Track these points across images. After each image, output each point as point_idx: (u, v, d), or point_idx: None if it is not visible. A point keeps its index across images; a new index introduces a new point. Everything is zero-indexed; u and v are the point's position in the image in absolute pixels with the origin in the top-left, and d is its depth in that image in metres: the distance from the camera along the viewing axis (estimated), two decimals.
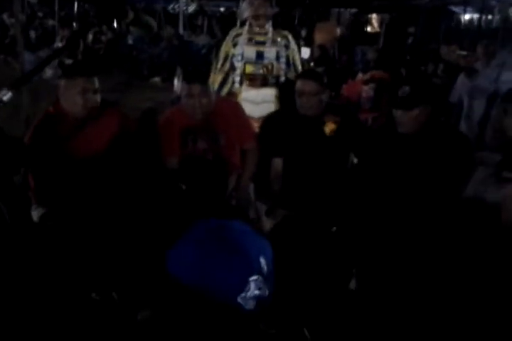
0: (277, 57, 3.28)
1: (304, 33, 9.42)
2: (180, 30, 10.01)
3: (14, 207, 1.93)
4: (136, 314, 1.15)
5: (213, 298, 0.98)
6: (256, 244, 1.05)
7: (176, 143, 2.49)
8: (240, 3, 3.68)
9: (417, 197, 2.22)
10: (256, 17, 3.22)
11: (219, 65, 3.33)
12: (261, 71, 3.28)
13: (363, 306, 2.15)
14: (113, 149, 2.26)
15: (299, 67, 3.37)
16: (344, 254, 2.38)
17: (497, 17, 9.75)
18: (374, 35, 9.78)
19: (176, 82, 6.63)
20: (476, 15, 10.34)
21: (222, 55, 3.34)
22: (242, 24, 3.40)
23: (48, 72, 7.28)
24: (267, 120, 2.75)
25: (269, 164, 2.63)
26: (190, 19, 11.43)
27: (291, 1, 9.62)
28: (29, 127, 2.91)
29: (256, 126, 2.90)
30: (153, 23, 9.38)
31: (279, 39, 3.30)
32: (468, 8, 10.09)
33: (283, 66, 3.29)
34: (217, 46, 3.51)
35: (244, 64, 3.27)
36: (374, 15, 11.93)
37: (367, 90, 5.04)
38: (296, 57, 3.38)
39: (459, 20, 11.02)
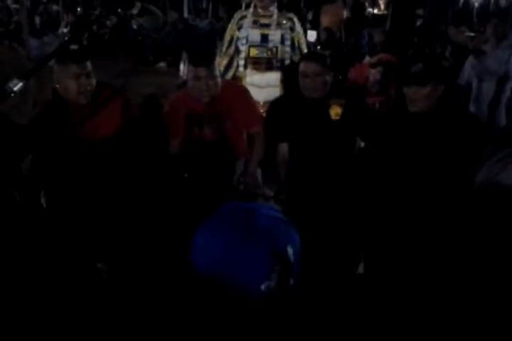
0: (282, 40, 3.25)
1: (310, 15, 9.28)
2: (185, 14, 9.92)
3: (24, 193, 1.94)
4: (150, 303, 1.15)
5: (234, 286, 0.95)
6: (284, 232, 1.00)
7: (181, 128, 2.48)
8: None
9: (427, 180, 2.20)
10: None
11: (224, 49, 3.30)
12: (265, 54, 3.25)
13: (371, 290, 2.16)
14: (119, 136, 2.26)
15: (305, 50, 3.33)
16: (352, 239, 2.39)
17: None
18: (381, 17, 9.62)
19: (181, 66, 6.59)
20: None
21: (227, 38, 3.31)
22: (247, 6, 3.36)
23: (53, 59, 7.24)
24: (273, 105, 2.73)
25: (276, 149, 2.62)
26: (195, 2, 11.31)
27: None
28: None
29: (261, 110, 2.89)
30: (160, 15, 9.29)
31: (284, 21, 3.26)
32: None
33: (288, 49, 3.26)
34: (223, 29, 3.48)
35: (249, 47, 3.24)
36: None
37: (374, 73, 4.99)
38: (302, 40, 3.34)
39: (468, 1, 10.82)
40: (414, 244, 2.17)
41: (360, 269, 2.39)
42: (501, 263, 1.70)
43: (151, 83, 6.58)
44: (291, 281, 0.99)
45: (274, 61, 3.25)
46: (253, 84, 3.23)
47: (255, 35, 3.24)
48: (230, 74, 3.28)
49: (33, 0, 11.20)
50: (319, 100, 2.50)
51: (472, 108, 3.31)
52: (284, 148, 2.60)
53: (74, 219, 2.13)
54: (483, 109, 3.17)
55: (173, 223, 2.17)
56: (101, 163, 2.20)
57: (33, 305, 1.59)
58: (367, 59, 5.56)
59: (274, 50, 3.25)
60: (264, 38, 3.24)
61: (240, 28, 3.26)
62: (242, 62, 3.26)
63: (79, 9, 10.23)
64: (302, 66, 2.49)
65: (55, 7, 10.86)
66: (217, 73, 2.45)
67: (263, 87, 3.25)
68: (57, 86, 2.20)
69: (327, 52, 5.66)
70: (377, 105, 4.61)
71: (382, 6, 11.90)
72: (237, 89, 2.68)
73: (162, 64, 8.56)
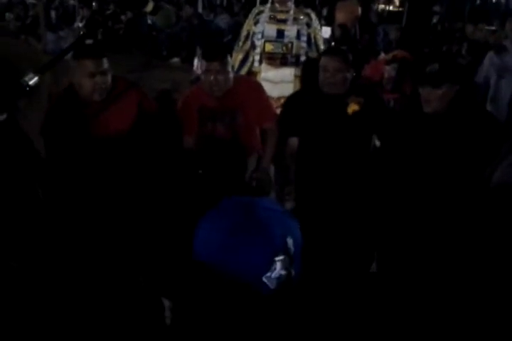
0: (298, 36, 3.23)
1: (324, 12, 9.23)
2: (199, 9, 9.91)
3: (47, 189, 1.95)
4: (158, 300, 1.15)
5: (236, 277, 0.96)
6: (284, 224, 1.02)
7: (194, 123, 2.48)
8: None
9: (442, 180, 2.18)
10: None
11: (240, 43, 3.29)
12: (280, 50, 3.24)
13: (384, 289, 2.15)
14: (134, 130, 2.26)
15: (321, 47, 3.31)
16: (365, 237, 2.37)
17: None
18: (396, 14, 9.54)
19: (195, 62, 6.58)
20: None
21: (243, 33, 3.30)
22: (263, 2, 3.35)
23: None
24: (289, 100, 2.72)
25: (286, 143, 2.60)
26: None
27: None
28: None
29: (275, 105, 2.87)
30: (172, 13, 9.32)
31: (301, 17, 3.25)
32: None
33: (304, 45, 3.24)
34: (238, 25, 3.48)
35: (264, 42, 3.23)
36: None
37: (389, 70, 4.93)
38: (318, 36, 3.32)
39: None
40: (428, 243, 2.15)
41: (373, 268, 2.38)
42: None
43: (164, 78, 6.59)
44: (293, 272, 1.00)
45: (289, 56, 3.23)
46: (267, 80, 3.21)
47: (271, 30, 3.22)
48: (245, 69, 3.26)
49: None
50: (338, 96, 2.48)
51: (490, 106, 3.26)
52: (294, 142, 2.58)
53: (85, 213, 2.14)
54: (501, 107, 3.12)
55: (181, 217, 2.17)
56: (114, 157, 2.21)
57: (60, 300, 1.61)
58: (382, 56, 5.52)
59: (290, 45, 3.23)
60: (280, 33, 3.23)
61: (256, 22, 3.25)
62: (257, 57, 3.25)
63: (94, 4, 10.28)
64: (323, 60, 2.47)
65: (70, 2, 10.93)
66: (230, 68, 2.44)
67: (277, 82, 3.23)
68: (72, 78, 2.18)
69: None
70: (391, 102, 4.57)
71: (397, 3, 11.80)
72: (250, 84, 2.66)
73: (176, 59, 8.58)
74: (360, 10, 8.66)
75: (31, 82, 1.27)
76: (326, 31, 5.89)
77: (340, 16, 7.78)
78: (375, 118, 2.51)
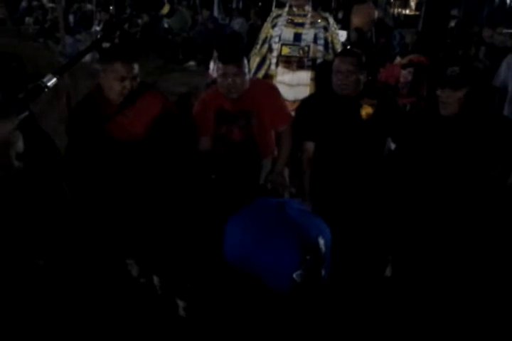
0: (315, 40, 3.23)
1: (340, 15, 9.22)
2: (215, 13, 9.96)
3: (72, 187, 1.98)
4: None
5: (267, 275, 0.97)
6: (315, 224, 1.04)
7: (210, 125, 2.49)
8: None
9: (458, 182, 2.16)
10: None
11: (258, 47, 3.31)
12: (297, 53, 3.24)
13: (398, 293, 2.13)
14: (154, 132, 2.27)
15: (339, 51, 3.30)
16: (380, 241, 2.36)
17: None
18: (413, 18, 9.49)
19: (211, 65, 6.60)
20: None
21: (262, 36, 3.32)
22: (279, 5, 3.36)
23: (87, 56, 7.38)
24: (303, 104, 2.72)
25: (302, 147, 2.60)
26: (225, 1, 11.35)
27: None
28: (70, 109, 2.96)
29: (290, 108, 2.87)
30: (188, 17, 9.42)
31: (318, 21, 3.25)
32: None
33: (321, 48, 3.24)
34: (254, 29, 3.50)
35: (281, 46, 3.24)
36: None
37: (405, 74, 4.92)
38: (336, 39, 3.32)
39: (504, 2, 10.57)
40: (443, 247, 2.13)
41: (387, 272, 2.36)
42: None
43: (180, 82, 6.65)
44: (323, 272, 1.01)
45: (306, 60, 3.24)
46: (283, 83, 3.22)
47: (288, 33, 3.23)
48: (262, 72, 3.27)
49: None
50: (351, 98, 2.47)
51: (507, 110, 3.22)
52: (310, 146, 2.58)
53: (104, 214, 2.16)
54: None
55: (202, 218, 2.18)
56: (131, 159, 2.22)
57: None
58: (398, 60, 5.49)
59: (306, 48, 3.23)
60: (297, 37, 3.23)
61: (274, 26, 3.27)
62: (274, 61, 3.26)
63: (111, 8, 10.39)
64: (337, 62, 2.47)
65: (88, 6, 11.07)
66: (246, 71, 2.45)
67: (293, 85, 3.24)
68: (101, 82, 2.19)
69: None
70: (407, 106, 4.54)
71: (413, 7, 11.74)
72: (266, 87, 2.66)
73: (192, 62, 8.62)
74: (376, 13, 8.64)
75: (50, 83, 1.29)
76: (342, 35, 5.88)
77: (356, 20, 7.76)
78: (390, 121, 2.50)
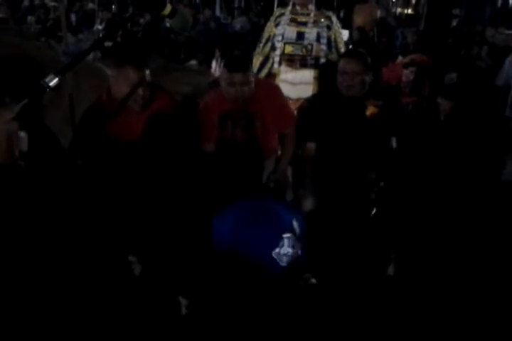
0: (318, 38, 3.23)
1: (341, 14, 9.21)
2: (217, 12, 9.96)
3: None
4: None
5: (249, 256, 1.11)
6: (290, 211, 1.23)
7: (215, 129, 2.48)
8: None
9: (457, 182, 2.17)
10: None
11: (261, 46, 3.31)
12: (300, 52, 3.24)
13: (401, 292, 2.14)
14: (161, 132, 2.26)
15: (342, 50, 3.30)
16: (382, 239, 2.36)
17: None
18: (415, 17, 9.47)
19: (213, 64, 6.59)
20: None
21: (265, 35, 3.33)
22: (282, 5, 3.36)
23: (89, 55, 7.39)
24: (306, 105, 2.71)
25: (303, 147, 2.60)
26: (227, 1, 11.35)
27: None
28: (72, 108, 2.96)
29: (293, 107, 2.87)
30: (190, 17, 9.42)
31: (321, 20, 3.25)
32: None
33: (323, 47, 3.24)
34: (256, 28, 3.50)
35: (284, 44, 3.24)
36: None
37: (407, 74, 4.91)
38: (339, 38, 3.32)
39: (507, 1, 10.55)
40: (445, 246, 2.13)
41: (390, 271, 2.36)
42: None
43: (182, 81, 6.65)
44: (299, 252, 1.17)
45: (309, 58, 3.24)
46: (286, 81, 3.22)
47: (291, 32, 3.24)
48: (265, 71, 3.28)
49: None
50: (356, 99, 2.47)
51: (510, 109, 3.22)
52: (311, 146, 2.58)
53: (107, 212, 2.16)
54: None
55: (200, 215, 2.19)
56: (140, 159, 2.21)
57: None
58: (400, 59, 5.49)
59: (309, 47, 3.23)
60: (300, 36, 3.24)
61: (277, 24, 3.27)
62: (277, 59, 3.26)
63: (113, 7, 10.40)
64: (342, 63, 2.46)
65: (90, 5, 11.08)
66: (252, 78, 2.42)
67: (296, 84, 3.24)
68: (112, 86, 2.17)
69: None
70: (410, 105, 4.54)
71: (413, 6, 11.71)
72: (269, 88, 2.64)
73: (193, 62, 8.63)
74: (378, 13, 8.65)
75: (51, 83, 1.29)
76: (344, 34, 5.89)
77: (358, 19, 7.78)
78: (394, 121, 2.50)
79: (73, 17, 10.61)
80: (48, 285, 1.55)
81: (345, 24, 7.67)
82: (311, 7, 3.24)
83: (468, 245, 2.03)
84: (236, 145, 2.52)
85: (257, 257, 1.11)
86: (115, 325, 1.76)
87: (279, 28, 3.25)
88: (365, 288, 2.09)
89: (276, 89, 2.69)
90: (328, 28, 3.27)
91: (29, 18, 11.40)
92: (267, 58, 3.29)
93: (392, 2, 11.36)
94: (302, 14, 3.25)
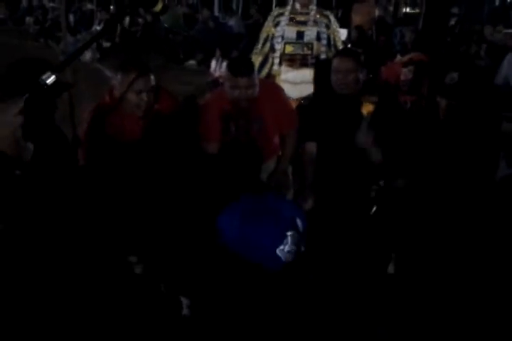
0: (318, 37, 3.24)
1: (340, 13, 9.20)
2: (216, 12, 9.96)
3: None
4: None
5: (252, 253, 1.13)
6: (291, 208, 1.25)
7: (217, 129, 2.47)
8: None
9: (455, 179, 2.18)
10: None
11: (259, 46, 3.31)
12: (300, 51, 3.25)
13: (401, 290, 2.14)
14: (151, 132, 2.26)
15: (340, 48, 3.31)
16: (383, 238, 2.36)
17: None
18: (413, 16, 9.47)
19: (213, 64, 6.59)
20: None
21: (263, 35, 3.32)
22: (280, 4, 3.37)
23: (87, 55, 7.39)
24: (303, 104, 2.72)
25: (303, 147, 2.60)
26: (226, 0, 11.34)
27: None
28: (72, 107, 2.97)
29: (294, 106, 2.88)
30: (181, 14, 9.48)
31: (320, 19, 3.25)
32: None
33: (324, 46, 3.25)
34: (254, 27, 3.49)
35: (284, 44, 3.24)
36: None
37: (406, 72, 4.90)
38: (337, 37, 3.33)
39: (505, 0, 10.55)
40: (445, 244, 2.14)
41: (390, 269, 2.37)
42: None
43: (181, 81, 6.64)
44: (302, 248, 1.18)
45: (309, 57, 3.24)
46: (287, 81, 3.22)
47: (291, 32, 3.24)
48: (265, 71, 3.28)
49: None
50: (351, 97, 2.48)
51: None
52: (311, 146, 2.59)
53: (108, 211, 2.16)
54: None
55: (200, 214, 2.19)
56: (133, 160, 2.22)
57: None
58: (398, 58, 5.50)
59: (310, 46, 3.24)
60: (300, 35, 3.24)
61: (276, 25, 3.26)
62: (277, 60, 3.26)
63: (112, 7, 10.39)
64: (335, 62, 2.48)
65: (88, 5, 11.07)
66: (257, 81, 2.41)
67: (297, 83, 3.24)
68: (115, 91, 2.17)
69: (358, 51, 5.61)
70: (408, 104, 4.54)
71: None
72: (272, 89, 2.63)
73: (192, 61, 8.62)
74: (376, 12, 8.65)
75: (48, 81, 1.29)
76: (343, 33, 5.89)
77: (356, 18, 7.78)
78: (391, 118, 2.51)
79: (71, 17, 10.60)
80: (48, 285, 1.56)
81: (344, 23, 7.68)
82: (312, 7, 3.24)
83: (468, 243, 2.03)
84: (238, 145, 2.52)
85: (261, 254, 1.13)
86: (116, 325, 1.76)
87: (279, 28, 3.24)
88: (365, 287, 2.09)
89: (279, 90, 2.68)
90: (327, 26, 3.27)
91: (27, 18, 11.40)
92: (266, 59, 3.29)
93: (390, 1, 11.36)
94: (301, 13, 3.25)
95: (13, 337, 1.44)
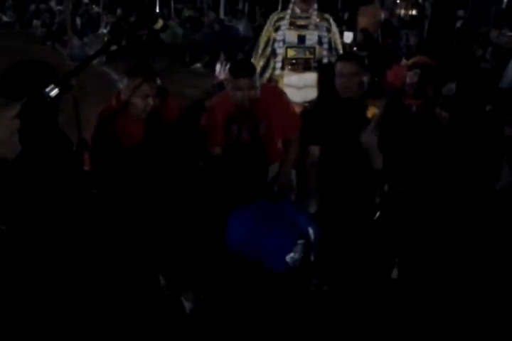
0: (319, 41, 3.24)
1: (346, 16, 9.21)
2: (221, 15, 9.99)
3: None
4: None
5: (261, 258, 1.14)
6: (304, 217, 1.29)
7: (221, 133, 2.48)
8: None
9: (459, 185, 2.17)
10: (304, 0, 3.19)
11: (260, 50, 3.30)
12: (303, 55, 3.24)
13: (405, 296, 2.13)
14: (152, 137, 2.26)
15: (341, 51, 3.31)
16: (386, 243, 2.35)
17: None
18: (418, 19, 9.45)
19: (218, 67, 6.60)
20: None
21: (263, 39, 3.31)
22: (285, 7, 3.36)
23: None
24: (308, 108, 2.72)
25: (306, 151, 2.60)
26: (231, 3, 11.38)
27: None
28: (77, 110, 2.98)
29: (298, 110, 2.87)
30: (180, 32, 9.58)
31: (321, 22, 3.25)
32: None
33: (325, 50, 3.24)
34: (259, 31, 3.49)
35: (286, 48, 3.24)
36: None
37: (411, 76, 4.89)
38: (338, 40, 3.33)
39: (511, 2, 10.51)
40: (448, 250, 2.13)
41: (394, 274, 2.36)
42: None
43: (187, 84, 6.66)
44: (312, 257, 1.23)
45: (312, 61, 3.24)
46: (290, 85, 3.21)
47: (292, 36, 3.23)
48: (266, 76, 3.27)
49: (75, 1, 11.51)
50: (355, 100, 2.48)
51: None
52: (315, 150, 2.59)
53: (113, 214, 2.17)
54: None
55: (206, 216, 2.19)
56: (136, 165, 2.22)
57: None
58: (404, 61, 5.49)
59: (312, 50, 3.24)
60: (301, 39, 3.23)
61: (277, 29, 3.26)
62: (279, 65, 3.25)
63: (118, 10, 10.44)
64: (339, 66, 2.48)
65: (95, 9, 11.13)
66: (258, 82, 2.42)
67: (300, 87, 3.23)
68: (123, 94, 2.19)
69: (364, 54, 5.60)
70: (414, 107, 4.52)
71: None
72: (274, 93, 2.64)
73: (198, 64, 8.65)
74: (382, 14, 8.64)
75: (52, 93, 1.30)
76: (348, 36, 5.88)
77: (362, 21, 7.78)
78: (396, 122, 2.50)
79: (78, 20, 10.67)
80: (50, 285, 1.56)
81: (350, 26, 7.68)
82: (312, 11, 3.24)
83: (471, 249, 2.02)
84: (241, 148, 2.53)
85: (270, 260, 1.14)
86: (119, 325, 1.77)
87: (279, 33, 3.24)
88: (368, 292, 2.08)
89: (282, 94, 2.69)
90: (328, 30, 3.27)
91: (35, 21, 11.47)
92: (267, 63, 3.28)
93: (396, 3, 11.34)
94: (301, 17, 3.24)
95: (13, 337, 1.44)
